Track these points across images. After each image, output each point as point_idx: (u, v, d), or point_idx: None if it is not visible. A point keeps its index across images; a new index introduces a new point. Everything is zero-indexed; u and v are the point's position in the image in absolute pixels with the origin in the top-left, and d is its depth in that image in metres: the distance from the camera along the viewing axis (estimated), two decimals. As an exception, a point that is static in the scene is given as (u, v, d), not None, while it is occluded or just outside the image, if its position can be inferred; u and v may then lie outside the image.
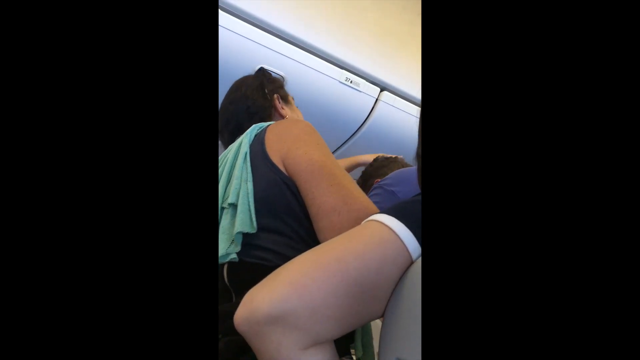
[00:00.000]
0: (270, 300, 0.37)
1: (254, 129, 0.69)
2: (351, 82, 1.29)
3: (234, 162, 0.66)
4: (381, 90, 1.37)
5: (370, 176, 1.21)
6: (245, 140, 0.67)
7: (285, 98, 0.87)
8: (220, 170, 0.68)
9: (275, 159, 0.62)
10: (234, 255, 0.56)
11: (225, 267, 0.59)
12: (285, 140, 0.63)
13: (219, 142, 0.86)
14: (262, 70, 0.88)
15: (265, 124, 0.70)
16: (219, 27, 1.09)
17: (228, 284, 0.58)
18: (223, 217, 0.60)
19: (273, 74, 1.19)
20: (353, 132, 1.44)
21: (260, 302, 0.38)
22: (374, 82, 1.34)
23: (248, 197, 0.59)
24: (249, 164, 0.63)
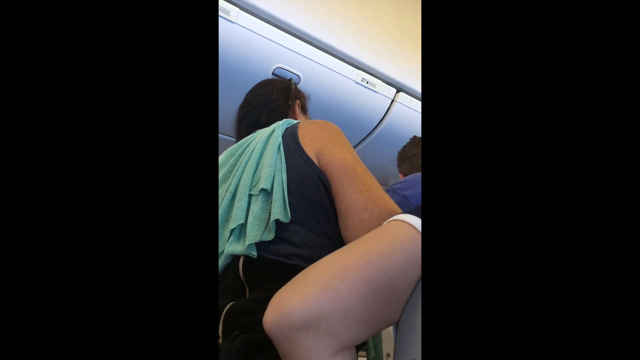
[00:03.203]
0: (303, 304, 0.37)
1: (284, 123, 0.71)
2: (367, 82, 1.29)
3: (262, 150, 0.67)
4: (397, 92, 1.36)
5: (404, 159, 1.29)
6: (278, 131, 0.68)
7: (304, 108, 0.91)
8: (242, 159, 0.69)
9: (310, 153, 0.64)
10: (254, 251, 0.57)
11: (241, 260, 0.59)
12: (320, 137, 0.66)
13: (236, 134, 0.88)
14: (292, 80, 0.93)
15: (294, 121, 0.73)
16: (238, 25, 1.10)
17: (243, 278, 0.58)
18: (252, 203, 0.61)
19: (289, 73, 1.20)
20: (368, 133, 1.43)
21: (292, 306, 0.37)
22: (390, 83, 1.34)
23: (283, 186, 0.60)
24: (282, 154, 0.64)
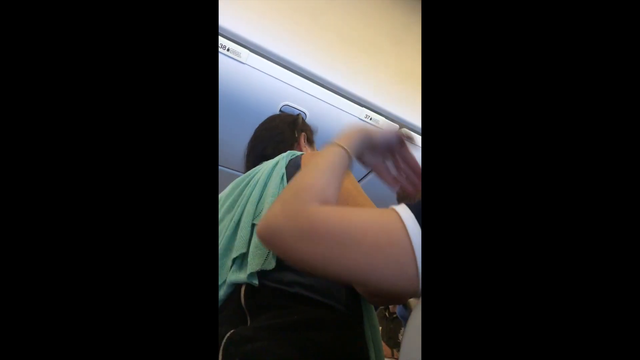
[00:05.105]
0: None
1: (288, 155, 0.73)
2: (371, 119, 1.33)
3: (267, 180, 0.69)
4: (399, 128, 1.40)
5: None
6: (281, 162, 0.70)
7: (310, 141, 0.94)
8: (246, 189, 0.70)
9: None
10: (255, 280, 0.57)
11: (243, 289, 0.59)
12: None
13: (244, 167, 0.91)
14: (299, 115, 0.97)
15: (298, 152, 0.75)
16: (248, 66, 1.16)
17: (244, 306, 0.59)
18: (255, 233, 0.61)
19: (296, 110, 1.25)
20: (371, 169, 1.46)
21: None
22: (392, 120, 1.38)
23: None
24: (285, 184, 0.66)
